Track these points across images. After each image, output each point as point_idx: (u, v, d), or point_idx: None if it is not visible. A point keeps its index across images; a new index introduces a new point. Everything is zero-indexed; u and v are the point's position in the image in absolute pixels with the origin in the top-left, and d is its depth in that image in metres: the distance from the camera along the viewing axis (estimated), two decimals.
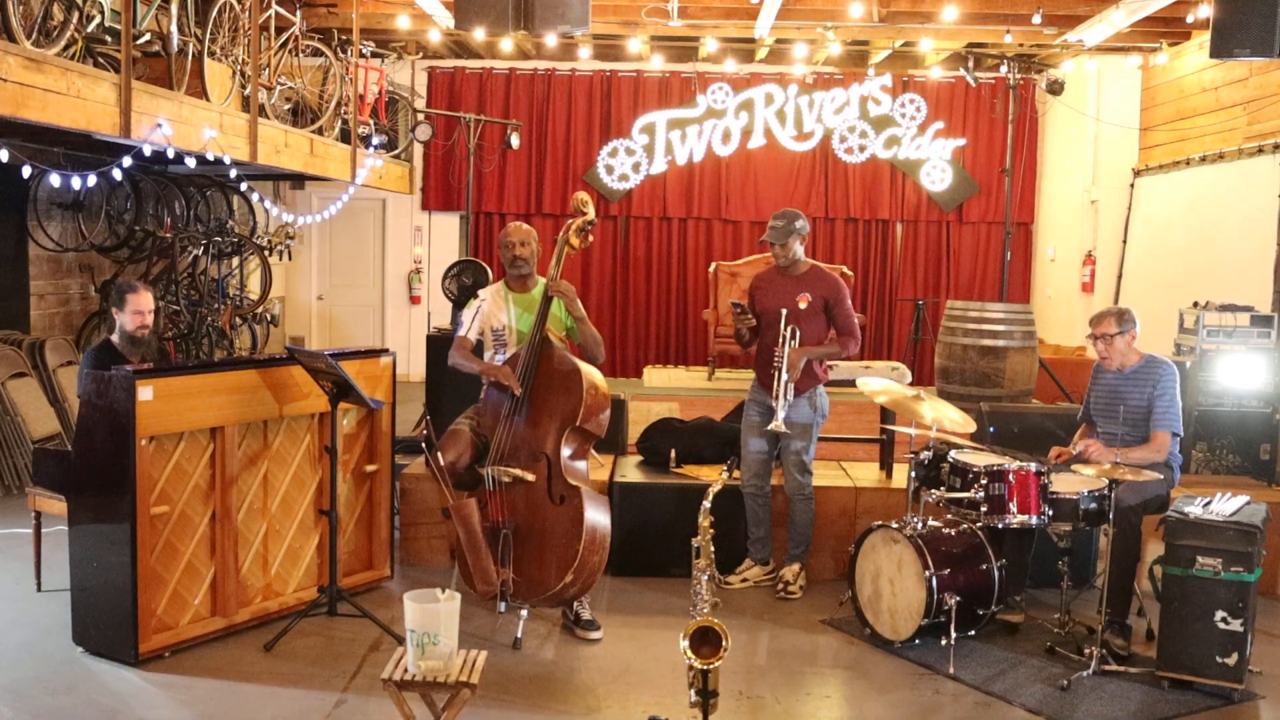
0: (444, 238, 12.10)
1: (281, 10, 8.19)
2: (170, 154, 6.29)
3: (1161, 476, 4.75)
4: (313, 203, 11.80)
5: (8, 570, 5.48)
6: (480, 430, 4.81)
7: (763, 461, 5.41)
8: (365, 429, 5.34)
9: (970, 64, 9.01)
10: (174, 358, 8.01)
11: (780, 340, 5.15)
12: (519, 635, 4.66)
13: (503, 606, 4.55)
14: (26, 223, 8.16)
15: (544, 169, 11.87)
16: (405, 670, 3.50)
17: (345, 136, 9.36)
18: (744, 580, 5.47)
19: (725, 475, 4.14)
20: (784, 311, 5.18)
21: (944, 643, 4.52)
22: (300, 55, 8.74)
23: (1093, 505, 4.59)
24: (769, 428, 5.17)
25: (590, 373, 4.68)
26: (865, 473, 6.13)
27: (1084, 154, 10.87)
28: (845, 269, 11.12)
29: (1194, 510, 4.40)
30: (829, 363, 5.47)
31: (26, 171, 5.74)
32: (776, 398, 5.13)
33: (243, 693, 4.15)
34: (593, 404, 4.63)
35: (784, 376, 5.12)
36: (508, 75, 11.81)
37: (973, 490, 4.68)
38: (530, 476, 4.58)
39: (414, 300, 12.18)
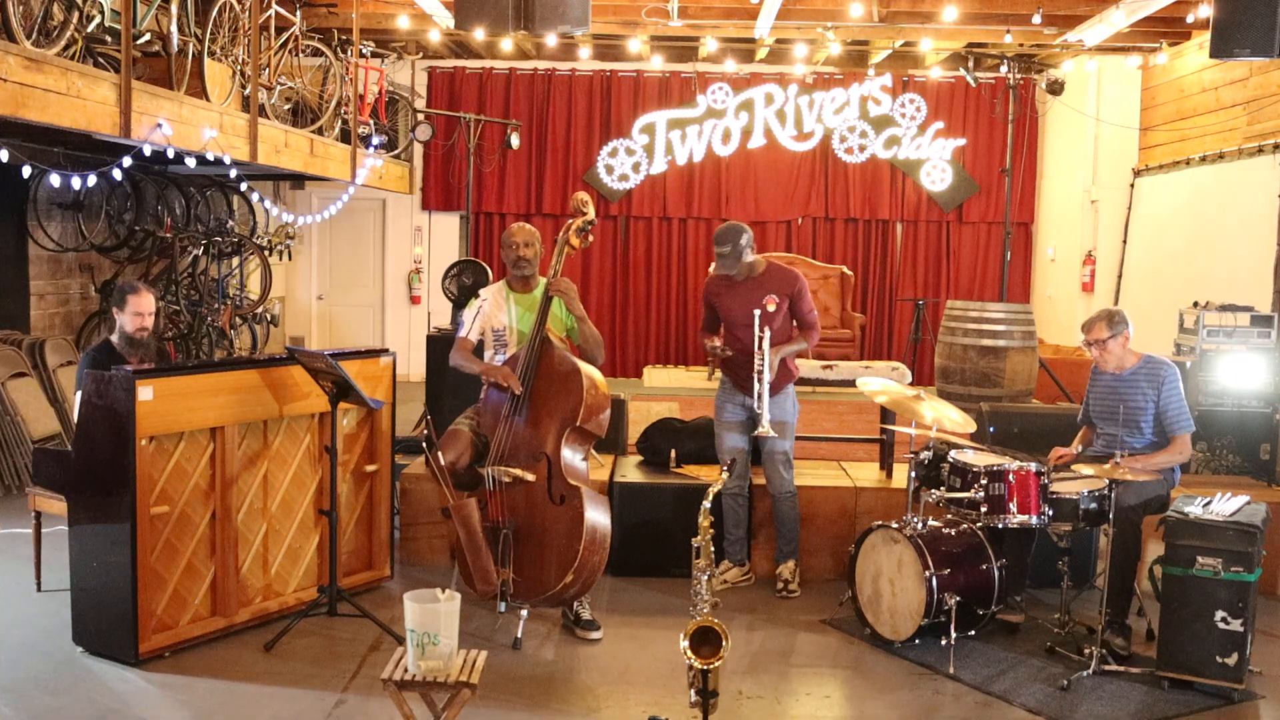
0: (444, 238, 12.11)
1: (281, 10, 8.19)
2: (170, 154, 6.30)
3: (1161, 476, 4.75)
4: (313, 203, 11.80)
5: (8, 570, 5.48)
6: (480, 430, 4.81)
7: (744, 461, 5.42)
8: (365, 429, 5.34)
9: (970, 64, 9.01)
10: (174, 358, 8.01)
11: (757, 343, 5.14)
12: (519, 635, 4.66)
13: (503, 606, 4.55)
14: (26, 223, 8.16)
15: (544, 169, 11.87)
16: (405, 670, 3.50)
17: (345, 136, 9.36)
18: (724, 582, 5.44)
19: (725, 475, 4.13)
20: (757, 313, 5.15)
21: (944, 643, 4.52)
22: (300, 55, 8.74)
23: (1093, 505, 4.59)
24: (756, 433, 5.16)
25: (590, 372, 4.68)
26: (865, 473, 6.12)
27: (1084, 154, 10.87)
28: (845, 269, 11.14)
29: (1194, 510, 4.40)
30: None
31: (26, 171, 5.75)
32: (758, 401, 5.12)
33: (243, 693, 4.15)
34: (593, 404, 4.63)
35: (765, 379, 5.12)
36: (508, 75, 11.81)
37: (973, 490, 4.68)
38: (530, 476, 4.57)
39: (414, 300, 12.18)
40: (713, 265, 5.41)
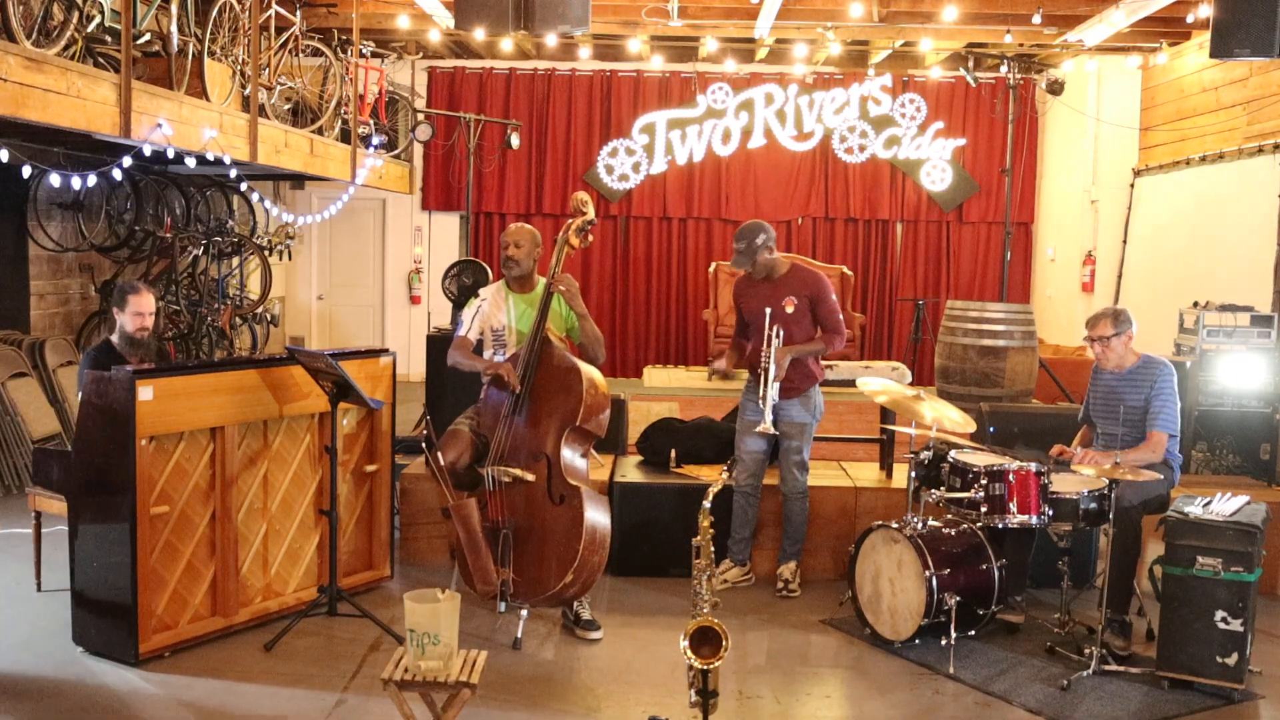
0: (444, 238, 12.11)
1: (281, 10, 8.19)
2: (170, 154, 6.29)
3: (1161, 476, 4.75)
4: (313, 203, 11.80)
5: (8, 570, 5.48)
6: (480, 430, 4.81)
7: (759, 461, 5.42)
8: (365, 429, 5.34)
9: (970, 64, 9.01)
10: (174, 358, 8.01)
11: (765, 342, 5.15)
12: (519, 635, 4.66)
13: (503, 606, 4.55)
14: (26, 223, 8.16)
15: (544, 169, 11.87)
16: (405, 670, 3.50)
17: (345, 136, 9.36)
18: (724, 582, 5.43)
19: (725, 475, 4.14)
20: (768, 311, 5.17)
21: (944, 643, 4.52)
22: (300, 55, 8.74)
23: (1093, 505, 4.59)
24: (757, 430, 5.18)
25: (590, 372, 4.68)
26: (865, 473, 6.12)
27: (1084, 154, 10.87)
28: (845, 269, 11.14)
29: (1194, 510, 4.40)
30: (824, 360, 5.47)
31: (26, 171, 5.74)
32: (762, 400, 5.13)
33: (243, 693, 4.15)
34: (593, 403, 4.63)
35: (770, 378, 5.12)
36: (508, 75, 11.81)
37: (973, 490, 4.68)
38: (530, 476, 4.58)
39: (414, 300, 12.19)
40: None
